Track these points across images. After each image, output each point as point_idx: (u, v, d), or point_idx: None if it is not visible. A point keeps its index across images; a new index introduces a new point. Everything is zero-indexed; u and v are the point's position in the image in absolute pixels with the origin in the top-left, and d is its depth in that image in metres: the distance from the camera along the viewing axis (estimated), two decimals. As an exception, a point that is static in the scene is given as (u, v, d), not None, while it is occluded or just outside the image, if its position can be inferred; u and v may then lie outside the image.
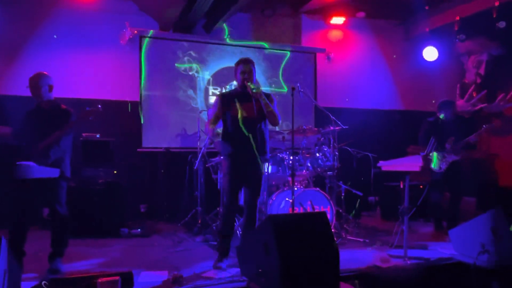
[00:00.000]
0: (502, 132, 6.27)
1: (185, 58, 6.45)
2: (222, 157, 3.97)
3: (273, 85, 6.91)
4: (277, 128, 6.64)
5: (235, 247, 3.95)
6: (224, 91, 6.35)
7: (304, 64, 7.12)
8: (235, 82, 6.49)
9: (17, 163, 3.31)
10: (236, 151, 3.75)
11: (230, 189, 3.74)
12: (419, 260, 3.86)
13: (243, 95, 3.77)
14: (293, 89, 4.17)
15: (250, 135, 3.69)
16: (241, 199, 3.98)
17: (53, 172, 3.40)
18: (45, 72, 3.63)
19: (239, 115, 3.72)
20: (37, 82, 3.53)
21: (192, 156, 5.73)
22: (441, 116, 5.08)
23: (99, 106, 3.51)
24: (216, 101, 3.91)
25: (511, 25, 5.76)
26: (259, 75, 6.80)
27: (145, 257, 4.04)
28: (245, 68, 3.76)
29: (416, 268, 3.70)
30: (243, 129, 3.70)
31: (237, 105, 3.74)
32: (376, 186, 6.15)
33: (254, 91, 3.61)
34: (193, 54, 6.49)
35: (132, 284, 2.92)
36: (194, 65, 6.50)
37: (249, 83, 3.67)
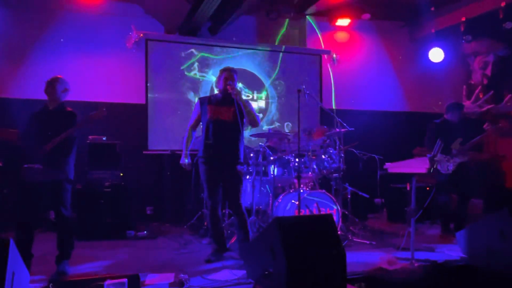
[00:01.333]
0: (509, 133, 6.21)
1: (191, 61, 6.47)
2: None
3: (278, 87, 6.91)
4: (286, 129, 6.67)
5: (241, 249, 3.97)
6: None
7: (309, 66, 7.12)
8: (241, 84, 6.60)
9: (24, 165, 3.34)
10: (212, 154, 3.91)
11: (208, 192, 3.92)
12: (426, 263, 3.84)
13: (223, 100, 3.97)
14: (298, 91, 4.21)
15: (223, 138, 3.89)
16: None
17: (58, 175, 3.43)
18: (61, 76, 3.68)
19: (214, 119, 3.90)
20: (55, 85, 3.58)
21: (198, 159, 5.72)
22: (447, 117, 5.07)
23: (104, 109, 3.54)
24: (196, 105, 4.12)
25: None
26: (264, 77, 6.81)
27: (151, 259, 4.05)
28: (228, 75, 3.97)
29: (423, 270, 3.67)
30: (217, 132, 3.89)
31: (213, 109, 3.94)
32: (383, 188, 6.12)
33: (234, 91, 3.84)
34: (198, 56, 6.51)
35: (138, 286, 2.92)
36: (200, 67, 6.52)
37: (230, 85, 3.89)
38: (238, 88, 4.08)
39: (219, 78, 4.04)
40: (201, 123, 4.07)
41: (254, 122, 3.97)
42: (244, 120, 3.96)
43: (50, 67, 5.59)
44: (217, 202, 3.95)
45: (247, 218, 3.99)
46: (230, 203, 4.09)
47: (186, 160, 4.08)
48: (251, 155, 5.02)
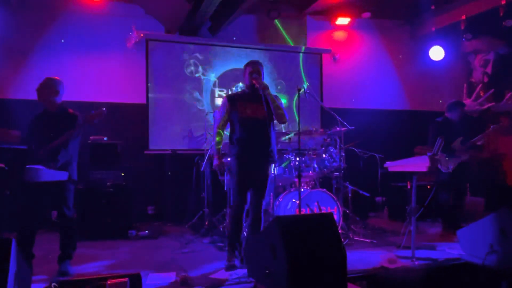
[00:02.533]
0: (510, 131, 6.22)
1: (191, 61, 6.48)
2: (229, 158, 3.97)
3: (279, 87, 6.92)
4: (283, 129, 6.67)
5: (242, 248, 3.97)
6: (230, 92, 6.37)
7: (309, 65, 7.12)
8: (241, 84, 6.58)
9: (26, 166, 3.35)
10: (244, 152, 3.76)
11: (239, 190, 3.75)
12: (427, 261, 3.85)
13: (250, 96, 3.81)
14: (299, 90, 4.19)
15: (257, 136, 3.73)
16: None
17: (61, 175, 3.44)
18: (55, 77, 3.67)
19: (247, 116, 3.75)
20: (47, 86, 3.58)
21: (198, 158, 5.75)
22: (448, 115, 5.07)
23: (104, 109, 3.54)
24: (223, 103, 3.91)
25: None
26: (265, 77, 6.78)
27: (153, 259, 4.06)
28: (254, 68, 3.80)
29: (424, 269, 3.68)
30: (250, 130, 3.74)
31: (245, 106, 3.77)
32: (383, 186, 6.13)
33: (260, 86, 3.68)
34: (199, 56, 6.52)
35: (140, 285, 2.93)
36: (200, 67, 6.53)
37: (256, 79, 3.72)
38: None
39: (244, 73, 3.88)
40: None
41: (282, 118, 3.78)
42: (273, 116, 3.81)
43: (50, 67, 5.60)
44: (246, 201, 3.78)
45: (262, 221, 3.86)
46: (253, 201, 3.84)
47: (218, 162, 3.85)
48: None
